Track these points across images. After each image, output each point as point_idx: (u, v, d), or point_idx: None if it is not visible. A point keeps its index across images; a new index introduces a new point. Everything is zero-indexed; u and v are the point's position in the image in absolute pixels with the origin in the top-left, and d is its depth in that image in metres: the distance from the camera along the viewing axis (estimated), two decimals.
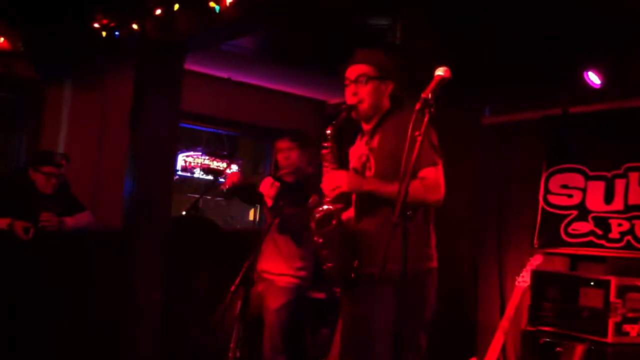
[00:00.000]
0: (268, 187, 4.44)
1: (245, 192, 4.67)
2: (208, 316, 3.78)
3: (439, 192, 2.96)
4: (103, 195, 5.95)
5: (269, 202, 4.40)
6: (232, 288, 3.67)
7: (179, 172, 7.61)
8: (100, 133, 6.14)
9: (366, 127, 3.21)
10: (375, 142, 3.13)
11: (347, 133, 3.37)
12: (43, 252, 4.74)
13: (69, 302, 4.95)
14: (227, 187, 4.56)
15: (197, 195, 6.98)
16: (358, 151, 3.25)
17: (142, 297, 5.15)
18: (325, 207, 3.04)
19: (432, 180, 2.94)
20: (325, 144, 3.14)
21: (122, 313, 5.16)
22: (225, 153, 7.88)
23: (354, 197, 3.20)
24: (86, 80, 6.09)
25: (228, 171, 7.00)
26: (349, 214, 3.26)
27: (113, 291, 5.20)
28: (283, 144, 4.54)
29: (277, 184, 4.35)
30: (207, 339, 5.35)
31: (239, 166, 7.99)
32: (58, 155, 5.02)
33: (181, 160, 7.71)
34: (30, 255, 4.69)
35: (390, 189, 2.87)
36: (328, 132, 3.14)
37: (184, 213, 6.19)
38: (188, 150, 7.88)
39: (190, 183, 8.18)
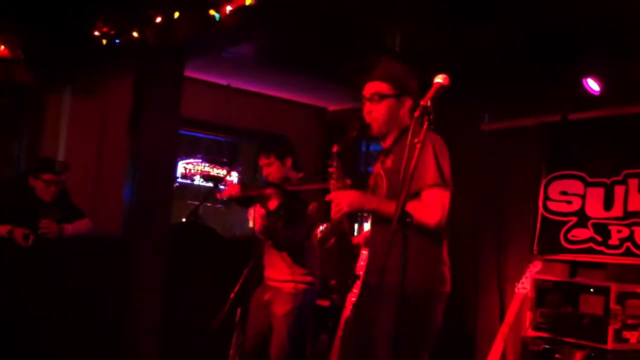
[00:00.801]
0: (233, 191, 4.45)
1: (242, 200, 4.67)
2: (208, 323, 3.77)
3: (437, 216, 2.86)
4: (103, 202, 5.95)
5: (256, 228, 4.39)
6: (232, 295, 3.68)
7: (179, 179, 7.61)
8: (100, 140, 6.14)
9: (384, 145, 3.17)
10: (389, 161, 3.09)
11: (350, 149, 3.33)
12: (43, 259, 4.74)
13: (69, 309, 4.95)
14: (225, 197, 4.55)
15: (197, 202, 6.98)
16: (375, 170, 3.20)
17: (142, 304, 5.14)
18: (325, 225, 3.04)
19: (431, 202, 2.87)
20: (332, 162, 3.13)
21: (122, 320, 5.15)
22: (225, 160, 7.88)
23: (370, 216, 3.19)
24: (86, 87, 6.09)
25: (229, 178, 7.00)
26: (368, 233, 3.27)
27: (113, 298, 5.19)
28: (262, 161, 4.52)
29: (262, 211, 4.33)
30: (206, 346, 5.35)
31: (239, 173, 7.98)
32: (58, 163, 5.03)
33: (181, 167, 7.71)
34: (29, 262, 4.69)
35: (391, 207, 2.83)
36: (334, 150, 3.12)
37: (184, 220, 6.18)
38: (188, 157, 7.88)
39: (190, 190, 8.18)
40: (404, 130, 3.06)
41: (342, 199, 2.98)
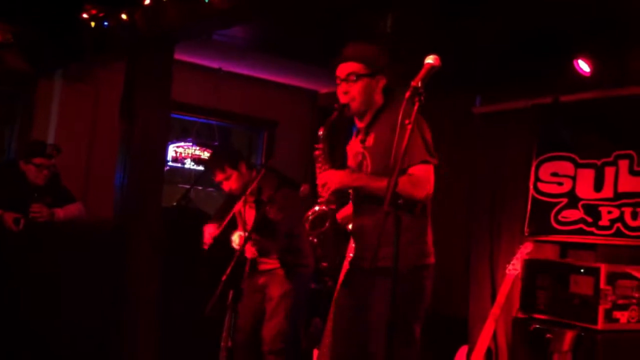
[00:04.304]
0: (214, 233, 4.36)
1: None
2: (200, 306, 3.78)
3: (426, 189, 2.96)
4: (95, 186, 5.94)
5: (248, 254, 4.37)
6: (224, 277, 3.69)
7: (170, 163, 7.58)
8: (93, 124, 6.12)
9: (360, 124, 3.21)
10: (370, 140, 3.14)
11: (341, 130, 3.33)
12: (34, 243, 4.73)
13: (61, 293, 4.94)
14: (208, 244, 4.45)
15: (188, 186, 6.96)
16: (354, 149, 3.24)
17: (136, 288, 5.13)
18: (317, 208, 3.04)
19: (419, 176, 2.95)
20: (318, 145, 3.15)
21: (116, 304, 5.14)
22: (216, 143, 7.86)
23: (351, 194, 3.22)
24: (78, 72, 6.06)
25: None
26: (348, 210, 3.28)
27: (106, 282, 5.18)
28: (218, 177, 4.46)
29: (246, 234, 4.30)
30: (199, 329, 5.36)
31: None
32: (49, 147, 5.01)
33: (172, 150, 7.68)
34: (20, 247, 4.68)
35: (379, 184, 2.89)
36: (320, 133, 3.15)
37: (175, 204, 6.17)
38: (179, 140, 7.85)
39: (181, 174, 8.16)
40: (379, 109, 3.16)
41: (330, 177, 3.03)
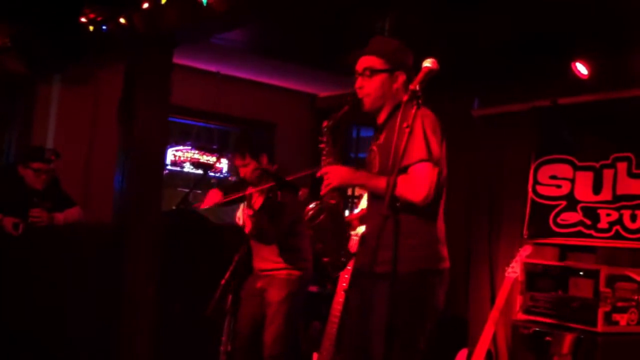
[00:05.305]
0: (216, 199, 4.47)
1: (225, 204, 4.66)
2: (199, 310, 3.78)
3: (423, 192, 2.80)
4: (94, 190, 5.93)
5: (247, 229, 4.41)
6: (223, 281, 3.69)
7: (169, 167, 7.58)
8: (92, 128, 6.11)
9: (378, 121, 3.14)
10: (382, 138, 3.06)
11: (342, 129, 3.28)
12: (33, 248, 4.72)
13: (60, 297, 4.94)
14: (207, 207, 4.52)
15: (187, 190, 6.95)
16: (370, 147, 3.18)
17: (135, 292, 5.13)
18: (315, 203, 3.04)
19: (416, 178, 2.81)
20: (322, 138, 3.10)
21: (115, 308, 5.14)
22: (215, 147, 7.86)
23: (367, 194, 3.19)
24: (77, 76, 6.04)
25: (219, 165, 6.97)
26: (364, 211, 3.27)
27: (105, 286, 5.18)
28: (237, 162, 4.53)
29: (250, 212, 4.38)
30: (198, 333, 5.36)
31: (229, 160, 7.97)
32: (48, 151, 5.01)
33: (171, 154, 7.68)
34: (19, 251, 4.68)
35: (377, 183, 2.85)
36: (324, 125, 3.09)
37: (174, 207, 6.16)
38: (178, 144, 7.85)
39: (180, 177, 8.15)
40: (398, 105, 3.00)
41: (331, 174, 2.97)
